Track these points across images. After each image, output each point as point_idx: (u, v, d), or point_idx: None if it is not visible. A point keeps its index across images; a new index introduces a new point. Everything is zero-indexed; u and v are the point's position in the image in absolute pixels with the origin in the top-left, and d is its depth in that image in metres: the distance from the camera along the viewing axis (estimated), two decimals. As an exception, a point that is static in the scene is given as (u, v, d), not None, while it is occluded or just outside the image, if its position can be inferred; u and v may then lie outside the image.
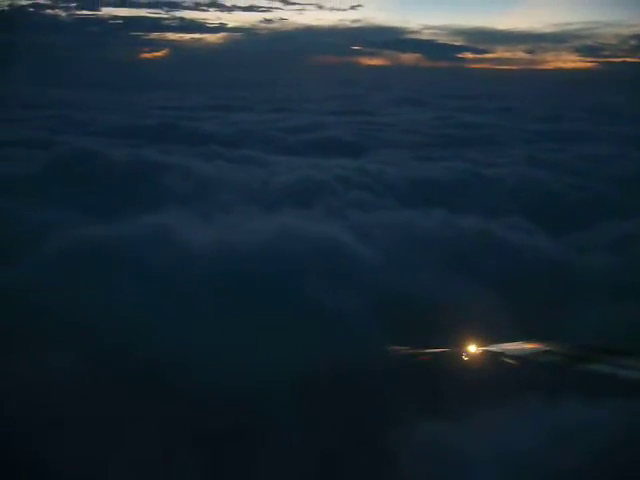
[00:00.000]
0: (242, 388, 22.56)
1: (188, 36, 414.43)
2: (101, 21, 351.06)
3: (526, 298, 31.38)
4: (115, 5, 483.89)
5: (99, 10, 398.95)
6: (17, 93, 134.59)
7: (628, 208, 50.68)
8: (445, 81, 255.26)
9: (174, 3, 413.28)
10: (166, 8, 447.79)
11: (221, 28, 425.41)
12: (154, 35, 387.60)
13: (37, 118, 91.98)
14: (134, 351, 24.05)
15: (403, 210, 43.58)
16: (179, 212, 39.07)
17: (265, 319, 26.91)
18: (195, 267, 30.46)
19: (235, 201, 43.22)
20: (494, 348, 9.39)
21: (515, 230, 43.21)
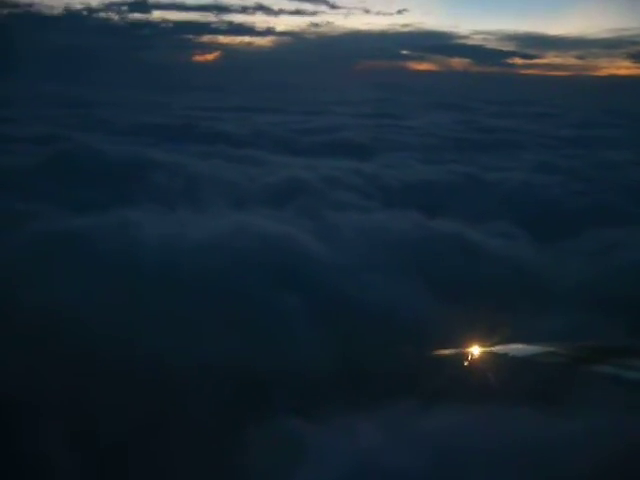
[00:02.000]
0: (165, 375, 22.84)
1: (238, 39, 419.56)
2: (152, 24, 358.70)
3: (480, 304, 30.69)
4: (165, 8, 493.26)
5: (150, 13, 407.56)
6: (57, 92, 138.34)
7: (627, 216, 49.37)
8: (490, 86, 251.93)
9: (222, 7, 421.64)
10: (215, 12, 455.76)
11: (269, 32, 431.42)
12: (205, 38, 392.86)
13: (64, 116, 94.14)
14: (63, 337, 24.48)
15: (380, 212, 42.98)
16: (151, 207, 39.75)
17: (198, 312, 27.09)
18: (141, 259, 30.87)
19: (212, 199, 43.41)
20: (496, 349, 9.26)
21: (496, 235, 42.43)
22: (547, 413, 22.44)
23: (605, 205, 53.43)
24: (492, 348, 9.69)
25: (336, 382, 24.72)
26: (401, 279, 32.82)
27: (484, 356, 8.99)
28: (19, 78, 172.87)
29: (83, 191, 45.26)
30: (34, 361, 22.60)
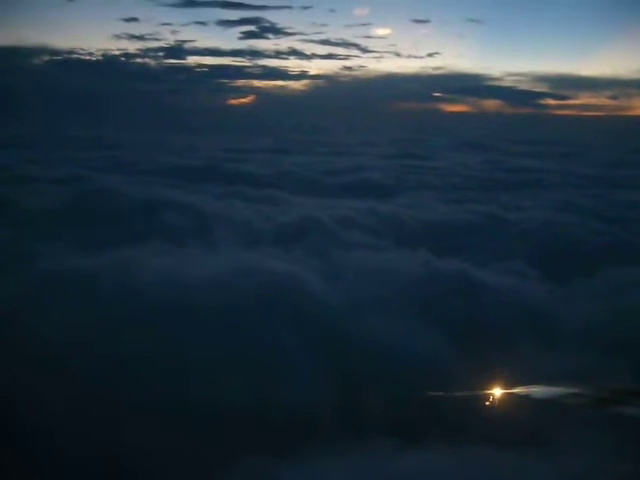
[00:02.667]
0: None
1: (272, 83, 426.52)
2: (188, 69, 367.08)
3: (481, 344, 30.10)
4: (201, 54, 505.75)
5: (185, 59, 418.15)
6: (89, 135, 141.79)
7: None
8: (521, 127, 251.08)
9: (257, 52, 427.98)
10: (249, 56, 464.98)
11: (303, 75, 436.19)
12: (240, 82, 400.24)
13: (91, 158, 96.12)
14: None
15: (389, 252, 42.66)
16: (161, 246, 40.06)
17: (195, 348, 27.06)
18: (141, 296, 30.96)
19: (223, 238, 43.63)
20: (518, 391, 9.25)
21: (508, 275, 41.78)
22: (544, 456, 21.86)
23: (624, 245, 52.34)
24: (513, 390, 9.59)
25: (327, 423, 24.39)
26: (403, 318, 32.39)
27: (504, 398, 8.89)
28: (54, 121, 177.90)
29: (97, 231, 45.80)
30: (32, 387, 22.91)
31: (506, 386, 9.28)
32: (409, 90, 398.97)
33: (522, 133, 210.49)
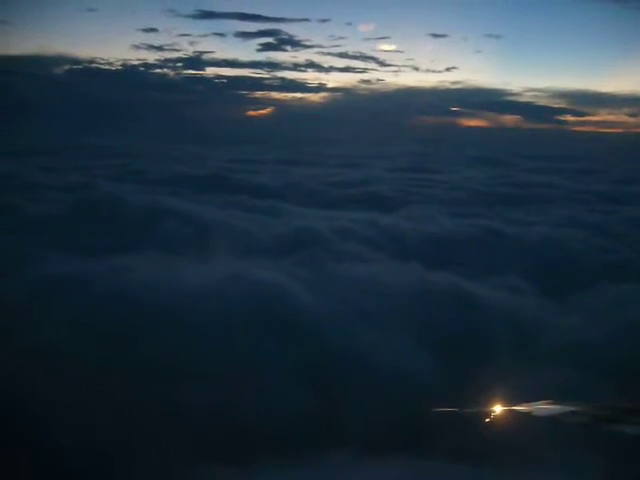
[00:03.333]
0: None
1: (291, 95, 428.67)
2: (206, 80, 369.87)
3: (466, 359, 30.07)
4: (219, 65, 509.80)
5: (204, 70, 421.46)
6: (104, 144, 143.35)
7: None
8: (538, 143, 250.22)
9: (275, 64, 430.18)
10: (267, 68, 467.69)
11: (321, 88, 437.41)
12: (258, 94, 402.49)
13: (103, 167, 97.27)
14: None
15: (383, 264, 42.70)
16: (155, 254, 40.40)
17: (175, 355, 27.30)
18: (128, 302, 31.29)
19: (218, 247, 43.72)
20: (520, 407, 9.42)
21: (501, 289, 41.68)
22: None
23: (625, 262, 51.94)
24: (514, 407, 9.68)
25: (301, 433, 24.44)
26: (388, 331, 32.37)
27: (505, 415, 9.03)
28: (71, 130, 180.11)
29: (95, 237, 46.38)
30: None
31: (503, 403, 9.41)
32: (427, 104, 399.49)
33: (538, 149, 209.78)
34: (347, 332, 31.70)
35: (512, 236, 57.72)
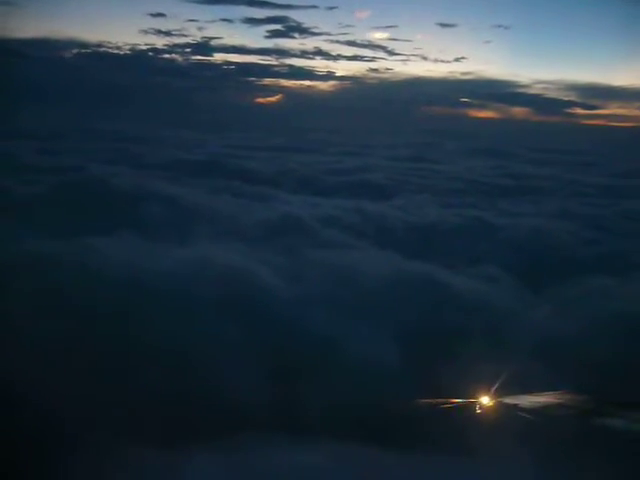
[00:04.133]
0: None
1: (300, 83, 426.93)
2: (215, 66, 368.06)
3: (427, 349, 29.82)
4: (227, 52, 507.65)
5: (212, 56, 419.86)
6: (108, 128, 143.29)
7: (633, 265, 47.27)
8: (545, 135, 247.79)
9: (282, 51, 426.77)
10: (275, 55, 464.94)
11: (329, 76, 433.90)
12: (267, 81, 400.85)
13: (101, 150, 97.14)
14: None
15: (360, 251, 42.42)
16: (127, 236, 40.29)
17: (127, 334, 27.20)
18: (88, 283, 31.16)
19: (196, 231, 43.65)
20: (508, 400, 9.49)
21: (478, 279, 41.26)
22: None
23: (613, 255, 51.34)
24: (501, 399, 9.78)
25: (256, 415, 24.25)
26: (354, 318, 32.13)
27: (493, 406, 8.99)
28: (78, 114, 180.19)
29: (73, 219, 46.07)
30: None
31: (489, 395, 9.37)
32: (437, 94, 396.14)
33: (545, 141, 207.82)
34: (313, 318, 31.52)
35: (499, 227, 57.34)
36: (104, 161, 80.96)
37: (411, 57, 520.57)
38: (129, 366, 25.59)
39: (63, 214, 46.81)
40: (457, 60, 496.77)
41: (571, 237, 55.72)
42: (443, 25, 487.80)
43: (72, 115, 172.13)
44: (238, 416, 23.59)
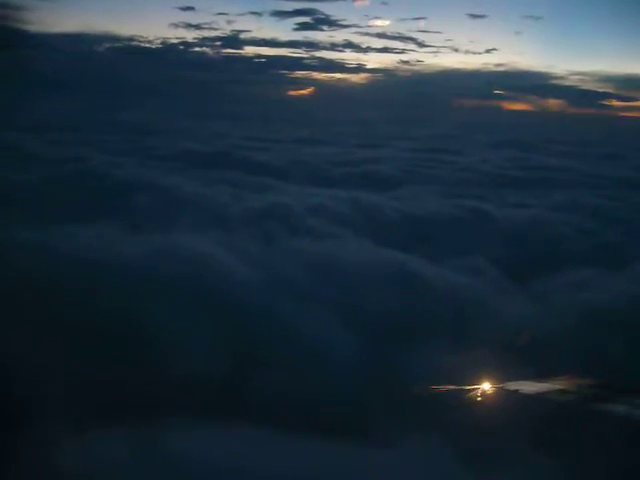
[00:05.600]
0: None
1: (332, 75, 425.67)
2: (246, 59, 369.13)
3: (390, 339, 29.42)
4: (257, 44, 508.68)
5: (242, 49, 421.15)
6: (129, 120, 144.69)
7: (630, 258, 46.00)
8: (578, 127, 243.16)
9: (312, 43, 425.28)
10: (305, 48, 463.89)
11: (360, 68, 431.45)
12: (299, 74, 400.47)
13: (114, 141, 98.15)
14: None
15: (340, 242, 41.96)
16: (110, 225, 40.47)
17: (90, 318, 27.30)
18: (52, 270, 31.31)
19: (180, 220, 43.65)
20: (509, 386, 9.60)
21: (459, 271, 40.54)
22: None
23: (612, 247, 50.09)
24: (502, 385, 9.74)
25: (202, 398, 24.07)
26: (319, 307, 31.82)
27: (494, 392, 8.99)
28: (103, 107, 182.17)
29: (64, 207, 46.49)
30: None
31: (493, 381, 9.36)
32: (469, 87, 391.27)
33: (574, 133, 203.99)
34: (275, 306, 31.27)
35: (498, 218, 56.38)
36: (114, 152, 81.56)
37: (441, 49, 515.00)
38: (81, 347, 25.65)
39: (52, 203, 47.27)
40: (488, 51, 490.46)
41: (570, 229, 54.47)
42: (473, 16, 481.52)
43: (96, 108, 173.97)
44: (177, 399, 23.46)
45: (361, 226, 48.37)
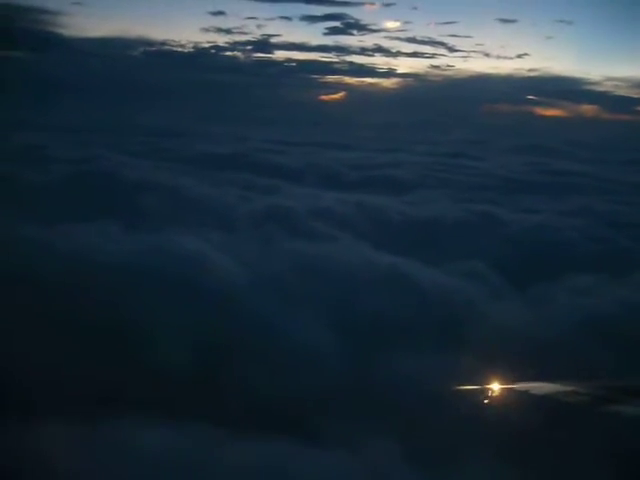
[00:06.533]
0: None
1: (363, 80, 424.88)
2: (276, 63, 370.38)
3: (374, 342, 29.35)
4: (287, 49, 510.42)
5: (273, 53, 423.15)
6: (155, 124, 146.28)
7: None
8: (604, 133, 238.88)
9: (342, 48, 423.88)
10: (335, 52, 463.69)
11: (391, 73, 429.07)
12: (331, 78, 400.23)
13: (133, 144, 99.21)
14: None
15: (336, 244, 41.93)
16: (106, 225, 41.07)
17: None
18: (40, 266, 31.93)
19: (180, 221, 44.03)
20: (518, 386, 10.01)
21: (455, 275, 40.20)
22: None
23: (616, 253, 49.27)
24: (513, 385, 9.96)
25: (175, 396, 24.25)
26: (305, 308, 31.85)
27: (505, 393, 9.15)
28: (130, 110, 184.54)
29: (69, 206, 47.23)
30: None
31: (506, 382, 9.50)
32: (502, 92, 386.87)
33: (604, 139, 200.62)
34: (259, 305, 31.36)
35: (505, 223, 55.84)
36: (132, 154, 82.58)
37: (472, 53, 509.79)
38: (58, 339, 26.02)
39: (60, 202, 48.09)
40: (519, 56, 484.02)
41: (579, 235, 53.68)
42: (503, 21, 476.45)
43: (123, 111, 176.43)
44: (146, 394, 23.62)
45: (363, 229, 48.25)
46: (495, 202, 67.24)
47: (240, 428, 21.17)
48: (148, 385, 24.28)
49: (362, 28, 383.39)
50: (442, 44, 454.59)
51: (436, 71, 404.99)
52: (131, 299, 29.85)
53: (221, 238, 39.96)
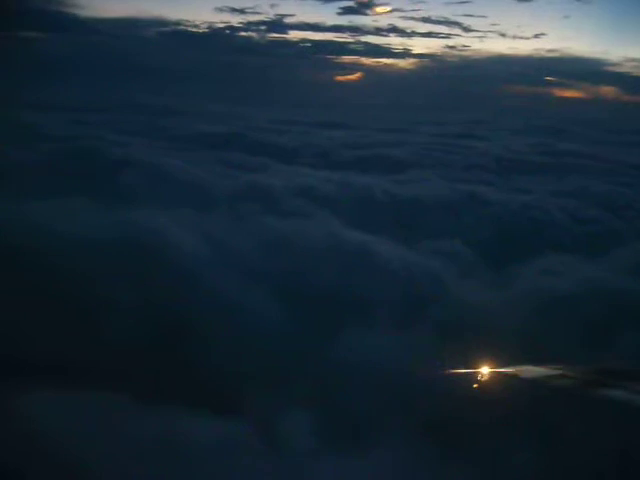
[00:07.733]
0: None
1: (380, 61, 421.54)
2: (291, 44, 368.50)
3: (334, 319, 29.17)
4: (301, 29, 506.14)
5: (287, 33, 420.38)
6: (159, 103, 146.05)
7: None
8: (620, 114, 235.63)
9: (356, 28, 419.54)
10: (350, 32, 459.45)
11: (407, 54, 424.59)
12: (346, 59, 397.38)
13: (130, 122, 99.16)
14: None
15: (307, 221, 41.65)
16: (79, 201, 40.90)
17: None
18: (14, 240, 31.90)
19: (156, 198, 43.95)
20: (507, 370, 10.09)
21: (428, 254, 39.83)
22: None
23: (605, 235, 48.65)
24: (502, 369, 9.99)
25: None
26: (263, 283, 31.72)
27: (494, 377, 9.17)
28: (140, 90, 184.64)
29: (47, 182, 47.13)
30: None
31: (495, 365, 9.51)
32: (520, 73, 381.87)
33: (617, 120, 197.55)
34: (217, 281, 31.29)
35: (491, 202, 55.16)
36: (128, 133, 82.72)
37: (488, 33, 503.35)
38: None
39: (41, 179, 48.09)
40: (536, 37, 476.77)
41: (565, 215, 52.99)
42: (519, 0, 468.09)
43: (131, 90, 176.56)
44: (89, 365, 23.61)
45: (343, 208, 47.81)
46: (488, 182, 66.55)
47: (162, 400, 21.12)
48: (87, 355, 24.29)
49: (376, 7, 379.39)
50: (457, 24, 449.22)
51: (452, 51, 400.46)
52: (90, 273, 29.77)
53: (195, 215, 39.69)
